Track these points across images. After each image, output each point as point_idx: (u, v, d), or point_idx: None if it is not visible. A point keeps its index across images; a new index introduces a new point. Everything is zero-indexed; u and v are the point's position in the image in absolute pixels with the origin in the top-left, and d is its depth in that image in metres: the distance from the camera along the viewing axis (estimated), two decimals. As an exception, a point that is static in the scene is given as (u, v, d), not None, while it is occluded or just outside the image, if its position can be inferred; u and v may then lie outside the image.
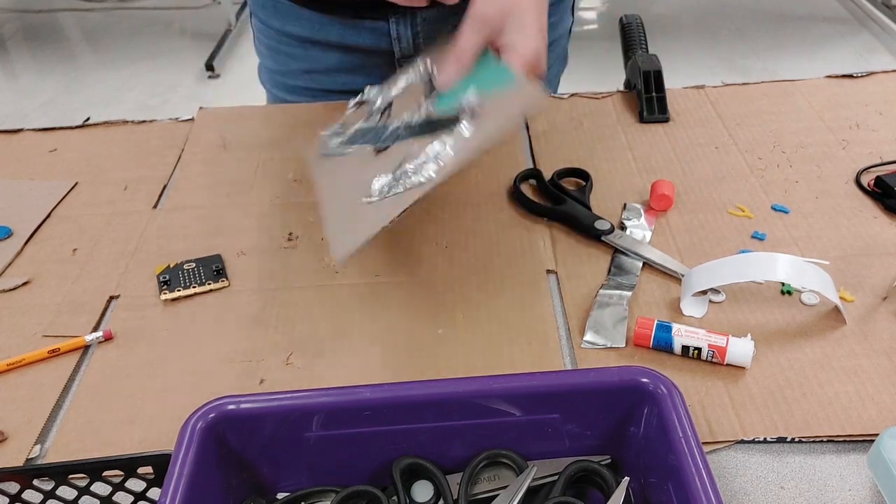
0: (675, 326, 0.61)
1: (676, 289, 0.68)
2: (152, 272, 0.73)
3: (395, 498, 0.49)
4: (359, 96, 0.74)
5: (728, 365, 0.61)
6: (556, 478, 0.49)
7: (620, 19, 1.01)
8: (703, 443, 0.54)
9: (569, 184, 0.81)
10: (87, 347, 0.66)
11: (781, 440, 0.56)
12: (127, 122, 0.96)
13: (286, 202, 0.81)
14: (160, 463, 0.48)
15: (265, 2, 0.93)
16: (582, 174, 0.81)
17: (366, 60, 0.93)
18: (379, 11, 0.87)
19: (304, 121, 0.93)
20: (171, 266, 0.73)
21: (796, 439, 0.56)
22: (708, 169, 0.83)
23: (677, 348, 0.61)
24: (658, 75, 0.91)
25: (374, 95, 0.73)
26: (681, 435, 0.45)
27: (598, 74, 1.85)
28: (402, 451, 0.50)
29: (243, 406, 0.48)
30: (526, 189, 0.80)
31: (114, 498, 0.51)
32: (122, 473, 0.50)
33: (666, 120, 0.91)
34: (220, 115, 0.96)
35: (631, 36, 0.99)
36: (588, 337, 0.64)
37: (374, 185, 0.62)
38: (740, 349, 0.60)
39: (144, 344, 0.66)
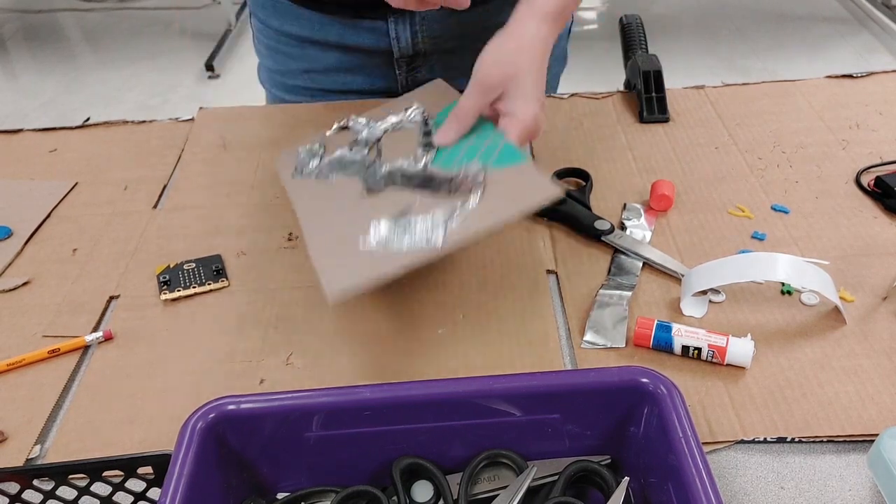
0: (675, 326, 0.61)
1: (676, 289, 0.68)
2: (152, 272, 0.73)
3: (395, 498, 0.49)
4: (343, 121, 0.74)
5: (728, 365, 0.61)
6: (556, 478, 0.49)
7: (620, 19, 1.01)
8: (703, 443, 0.54)
9: (569, 184, 0.81)
10: (87, 347, 0.66)
11: (781, 440, 0.56)
12: (127, 122, 0.96)
13: (286, 202, 0.81)
14: (160, 463, 0.48)
15: (264, 1, 0.93)
16: (582, 174, 0.81)
17: (365, 60, 0.93)
18: (378, 11, 0.87)
19: (304, 121, 0.93)
20: (171, 266, 0.73)
21: (796, 439, 0.56)
22: (708, 169, 0.83)
23: (677, 348, 0.61)
24: (658, 75, 0.91)
25: (360, 126, 0.73)
26: (681, 435, 0.45)
27: (598, 74, 1.85)
28: (402, 451, 0.50)
29: (243, 406, 0.48)
30: (526, 189, 0.80)
31: (114, 498, 0.51)
32: (122, 473, 0.50)
33: (666, 120, 0.91)
34: (220, 115, 0.96)
35: (631, 36, 0.99)
36: (588, 337, 0.64)
37: (373, 228, 0.61)
38: (740, 349, 0.60)
39: (144, 344, 0.66)
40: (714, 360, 0.61)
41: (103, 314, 0.70)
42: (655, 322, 0.62)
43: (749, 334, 0.61)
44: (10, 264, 0.75)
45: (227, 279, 0.72)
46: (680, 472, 0.44)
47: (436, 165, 0.66)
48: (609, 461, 0.52)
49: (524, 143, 0.66)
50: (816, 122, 0.89)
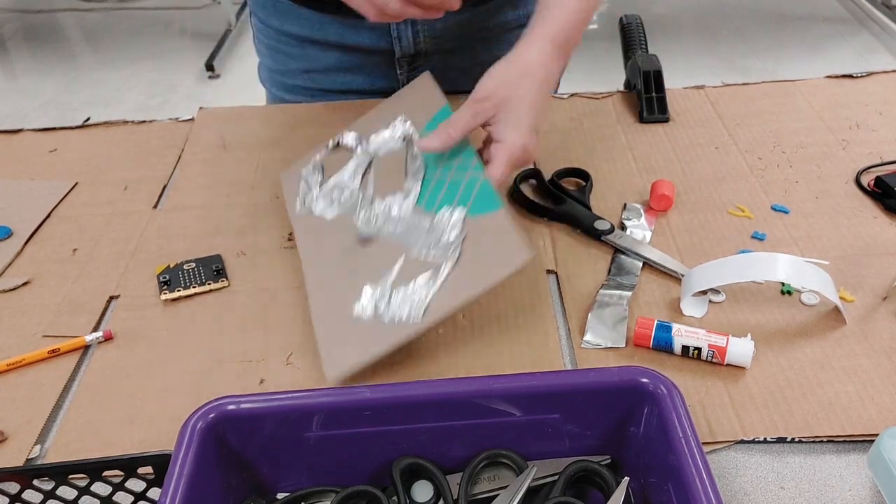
0: (675, 326, 0.61)
1: (676, 289, 0.68)
2: (152, 272, 0.73)
3: (395, 498, 0.49)
4: (337, 138, 0.77)
5: (728, 365, 0.61)
6: (556, 478, 0.49)
7: (620, 19, 1.01)
8: (703, 443, 0.54)
9: (569, 184, 0.81)
10: (87, 347, 0.66)
11: (781, 440, 0.56)
12: (127, 122, 0.96)
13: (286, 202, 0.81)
14: (160, 463, 0.48)
15: (264, 1, 0.93)
16: (582, 174, 0.81)
17: (365, 60, 0.93)
18: (379, 11, 0.87)
19: (305, 121, 0.93)
20: (171, 266, 0.73)
21: (796, 439, 0.56)
22: (708, 169, 0.83)
23: (677, 348, 0.61)
24: (658, 75, 0.91)
25: (352, 142, 0.76)
26: (681, 435, 0.45)
27: (598, 74, 1.85)
28: (402, 451, 0.50)
29: (243, 406, 0.48)
30: (526, 189, 0.80)
31: (114, 498, 0.51)
32: (122, 473, 0.50)
33: (666, 120, 0.91)
34: (220, 115, 0.96)
35: (631, 36, 0.99)
36: (588, 337, 0.64)
37: (364, 295, 0.64)
38: (740, 349, 0.60)
39: (144, 344, 0.66)
40: (714, 360, 0.61)
41: (103, 314, 0.70)
42: (655, 322, 0.62)
43: (749, 334, 0.61)
44: (10, 264, 0.75)
45: (227, 279, 0.72)
46: (680, 472, 0.44)
47: (421, 205, 0.69)
48: (609, 461, 0.52)
49: (511, 171, 0.66)
50: (816, 122, 0.89)
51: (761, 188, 0.80)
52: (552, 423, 0.50)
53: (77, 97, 2.76)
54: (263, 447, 0.50)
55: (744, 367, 0.60)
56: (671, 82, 0.93)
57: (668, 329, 0.61)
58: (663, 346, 0.62)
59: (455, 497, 0.48)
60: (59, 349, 0.65)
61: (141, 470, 0.50)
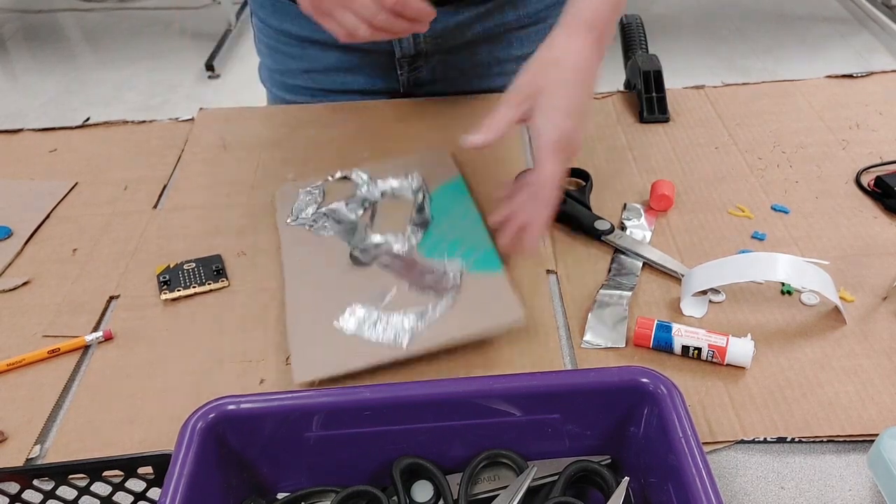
0: (675, 326, 0.61)
1: (676, 289, 0.68)
2: (152, 272, 0.73)
3: (395, 498, 0.49)
4: (345, 172, 0.78)
5: (728, 365, 0.61)
6: (556, 478, 0.49)
7: (620, 19, 1.01)
8: (703, 443, 0.54)
9: (569, 184, 0.81)
10: (87, 347, 0.66)
11: (781, 440, 0.56)
12: (127, 122, 0.96)
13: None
14: (160, 463, 0.48)
15: (265, 1, 0.93)
16: (582, 174, 0.81)
17: (365, 60, 0.93)
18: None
19: (305, 121, 0.93)
20: (171, 266, 0.73)
21: (796, 439, 0.56)
22: (708, 169, 0.83)
23: (677, 348, 0.61)
24: (658, 75, 0.91)
25: (361, 181, 0.77)
26: (681, 435, 0.45)
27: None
28: (402, 451, 0.50)
29: (243, 406, 0.48)
30: (526, 189, 0.80)
31: (114, 498, 0.51)
32: (122, 473, 0.50)
33: (666, 120, 0.90)
34: (220, 116, 0.96)
35: (631, 36, 0.99)
36: (588, 337, 0.64)
37: (348, 313, 0.64)
38: (740, 349, 0.60)
39: (144, 344, 0.66)
40: (714, 360, 0.61)
41: (103, 314, 0.70)
42: (655, 322, 0.62)
43: (749, 334, 0.61)
44: (10, 264, 0.75)
45: (227, 279, 0.72)
46: (680, 472, 0.44)
47: (421, 250, 0.70)
48: (609, 461, 0.52)
49: (561, 165, 0.64)
50: (816, 122, 0.89)
51: (761, 188, 0.80)
52: (552, 423, 0.50)
53: (77, 97, 2.76)
54: (263, 447, 0.50)
55: (744, 367, 0.60)
56: (671, 82, 0.93)
57: (668, 329, 0.61)
58: (663, 346, 0.62)
59: (455, 497, 0.48)
60: (59, 349, 0.65)
61: (141, 470, 0.50)
